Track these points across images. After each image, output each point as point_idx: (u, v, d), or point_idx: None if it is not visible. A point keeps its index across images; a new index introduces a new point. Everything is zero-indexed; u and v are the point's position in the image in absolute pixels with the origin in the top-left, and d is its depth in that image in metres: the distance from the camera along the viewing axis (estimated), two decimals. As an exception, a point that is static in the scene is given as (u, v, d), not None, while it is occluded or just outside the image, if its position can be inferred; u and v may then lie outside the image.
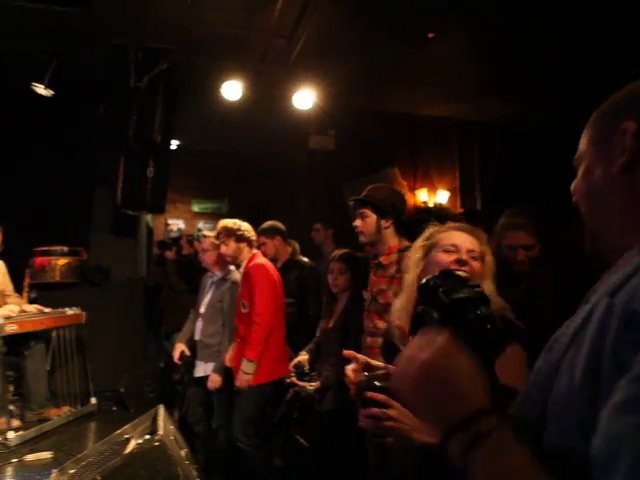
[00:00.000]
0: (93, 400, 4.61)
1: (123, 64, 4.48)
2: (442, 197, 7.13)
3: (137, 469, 2.35)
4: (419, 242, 1.66)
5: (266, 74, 5.01)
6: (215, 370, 3.62)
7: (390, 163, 6.67)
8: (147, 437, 2.58)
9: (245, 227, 3.56)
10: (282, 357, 3.48)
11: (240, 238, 3.50)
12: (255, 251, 3.60)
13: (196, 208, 9.40)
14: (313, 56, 4.70)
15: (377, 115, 6.21)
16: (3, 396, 4.02)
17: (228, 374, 3.54)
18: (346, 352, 1.30)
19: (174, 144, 5.88)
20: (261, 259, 3.55)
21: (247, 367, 3.26)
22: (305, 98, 5.22)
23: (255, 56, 4.84)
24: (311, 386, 3.15)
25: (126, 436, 2.76)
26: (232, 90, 5.00)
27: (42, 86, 4.49)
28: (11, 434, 3.80)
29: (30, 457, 3.60)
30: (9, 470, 3.42)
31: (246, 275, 3.47)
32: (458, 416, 0.65)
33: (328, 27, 4.35)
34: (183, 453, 2.77)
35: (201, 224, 9.25)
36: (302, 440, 3.27)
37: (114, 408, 4.74)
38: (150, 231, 7.63)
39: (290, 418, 3.39)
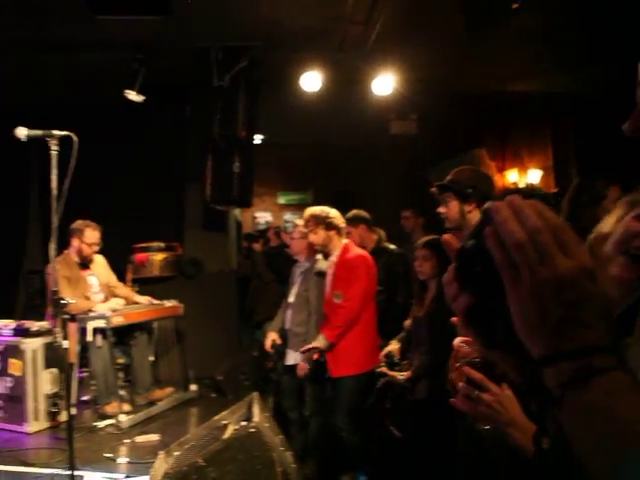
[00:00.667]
0: (193, 387, 4.87)
1: (205, 65, 4.65)
2: (534, 177, 6.76)
3: (235, 454, 2.46)
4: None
5: (344, 62, 4.98)
6: (304, 358, 3.69)
7: (476, 144, 6.42)
8: (243, 424, 2.69)
9: (334, 214, 3.49)
10: (376, 347, 3.47)
11: (329, 226, 3.46)
12: (345, 240, 3.56)
13: (282, 200, 9.58)
14: (390, 40, 4.60)
15: (460, 95, 5.99)
16: (114, 382, 4.35)
17: (319, 362, 3.60)
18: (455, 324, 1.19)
19: (258, 139, 6.01)
20: (357, 250, 3.51)
21: (320, 342, 3.27)
22: (384, 83, 5.15)
23: (333, 45, 4.83)
24: (402, 376, 3.12)
25: (224, 422, 2.89)
26: (312, 81, 5.03)
27: (134, 92, 4.76)
28: (122, 417, 4.11)
29: (140, 439, 3.88)
30: (122, 450, 3.71)
31: (344, 266, 3.43)
32: (572, 344, 0.56)
33: (404, 9, 4.25)
34: (278, 439, 2.86)
35: (287, 216, 9.43)
36: (395, 430, 3.26)
37: (213, 395, 4.99)
38: (239, 224, 7.90)
39: (382, 408, 3.39)
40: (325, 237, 3.46)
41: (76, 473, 2.76)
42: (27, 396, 4.15)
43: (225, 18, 4.28)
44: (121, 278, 5.11)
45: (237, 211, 7.41)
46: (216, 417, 3.08)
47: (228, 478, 2.41)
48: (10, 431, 4.18)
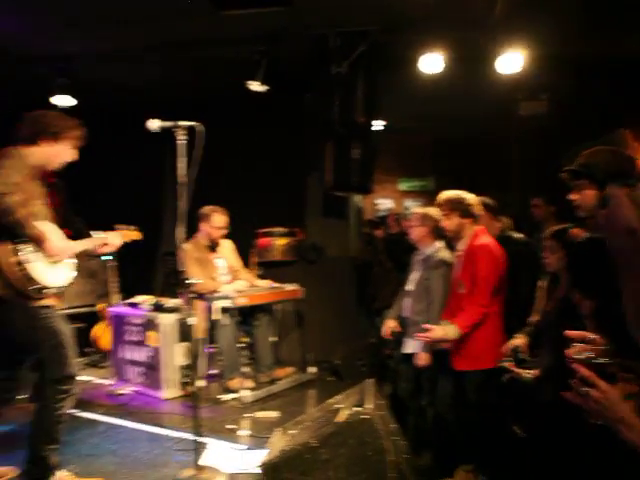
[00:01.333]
0: (312, 369, 5.01)
1: (324, 52, 4.69)
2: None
3: (347, 438, 2.48)
4: None
5: (467, 41, 4.73)
6: (423, 348, 3.61)
7: (618, 124, 5.79)
8: (356, 409, 2.70)
9: (471, 200, 3.34)
10: (501, 342, 3.31)
11: (465, 213, 3.32)
12: (478, 227, 3.41)
13: (403, 187, 9.45)
14: (517, 13, 4.27)
15: (596, 70, 5.42)
16: (238, 360, 4.61)
17: (439, 352, 3.51)
18: (568, 332, 1.18)
19: (378, 125, 5.96)
20: (485, 238, 3.36)
21: (450, 331, 3.14)
22: (511, 62, 4.80)
23: (454, 24, 4.60)
24: (528, 374, 2.94)
25: (338, 406, 2.93)
26: (432, 63, 4.85)
27: (256, 83, 4.94)
28: (245, 392, 4.36)
29: (260, 414, 4.09)
30: (244, 423, 3.93)
31: (469, 254, 3.31)
32: None
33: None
34: (391, 428, 2.83)
35: (408, 202, 9.29)
36: (517, 430, 3.08)
37: (330, 378, 5.09)
38: (360, 211, 7.93)
39: (504, 405, 3.22)
40: (458, 224, 3.31)
41: (201, 440, 2.97)
42: (162, 366, 4.56)
43: (343, 4, 4.26)
44: (246, 261, 5.39)
45: (358, 198, 7.43)
46: (330, 400, 3.14)
47: (339, 461, 2.44)
48: (149, 395, 4.63)
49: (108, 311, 5.78)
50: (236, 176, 5.83)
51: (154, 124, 2.75)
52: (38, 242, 2.67)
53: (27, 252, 2.66)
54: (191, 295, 2.84)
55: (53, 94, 5.24)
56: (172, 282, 6.55)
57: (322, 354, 5.22)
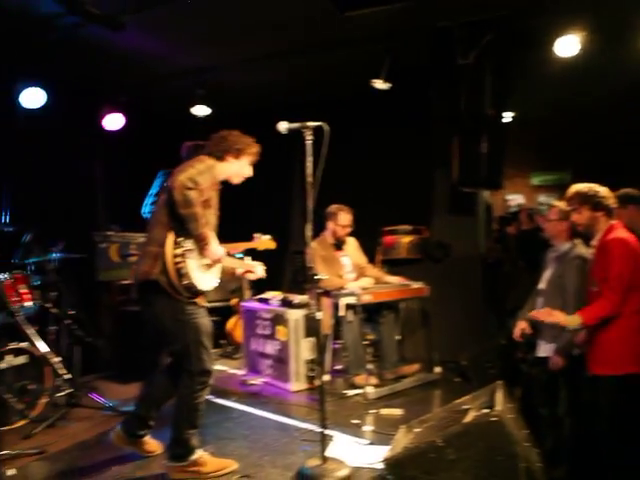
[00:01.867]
0: (437, 369, 4.90)
1: (448, 44, 4.55)
2: None
3: (474, 440, 2.39)
4: None
5: (607, 18, 4.31)
6: (557, 352, 3.38)
7: None
8: (485, 411, 2.60)
9: (604, 193, 3.09)
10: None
11: (597, 206, 3.08)
12: (613, 221, 3.15)
13: (535, 181, 8.92)
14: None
15: None
16: (363, 356, 4.66)
17: (575, 357, 3.26)
18: None
19: (508, 116, 5.66)
20: (621, 232, 3.08)
21: (571, 321, 2.90)
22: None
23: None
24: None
25: (465, 406, 2.84)
26: (568, 45, 4.49)
27: (380, 81, 4.93)
28: (370, 389, 4.39)
29: (384, 411, 4.09)
30: (368, 419, 3.97)
31: (601, 249, 3.07)
32: None
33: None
34: (522, 434, 2.69)
35: (542, 198, 8.73)
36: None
37: (456, 379, 4.94)
38: (489, 207, 7.60)
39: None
40: (590, 217, 3.09)
41: (327, 432, 3.05)
42: (290, 359, 4.75)
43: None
44: (371, 259, 5.42)
45: (487, 194, 7.12)
46: (458, 401, 3.05)
47: (466, 463, 2.37)
48: (277, 387, 4.85)
49: (240, 305, 6.15)
50: (361, 174, 5.86)
51: (282, 126, 2.87)
52: (202, 242, 2.90)
53: (187, 249, 2.90)
54: (318, 291, 2.91)
55: (193, 105, 5.68)
56: (300, 279, 6.81)
57: (448, 354, 5.08)
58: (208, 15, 4.38)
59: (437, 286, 5.06)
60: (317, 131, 2.84)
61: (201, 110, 5.72)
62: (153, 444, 3.30)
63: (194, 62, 5.29)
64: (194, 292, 2.97)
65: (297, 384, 4.75)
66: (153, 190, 4.45)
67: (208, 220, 2.98)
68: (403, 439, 2.81)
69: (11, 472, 2.82)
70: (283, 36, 4.86)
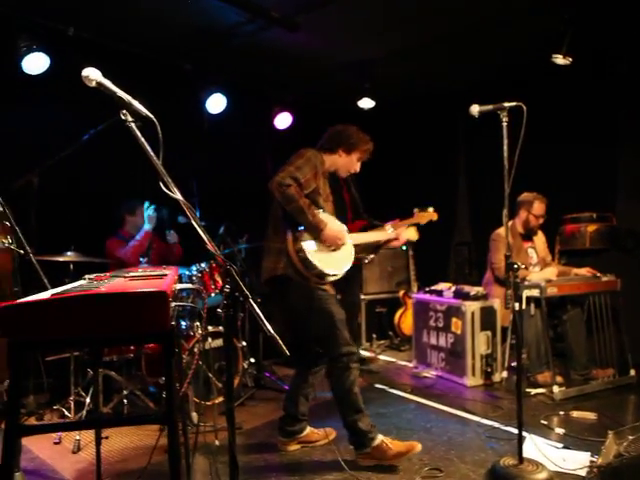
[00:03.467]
0: (632, 372, 4.43)
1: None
2: None
3: None
4: None
5: None
6: None
7: None
8: None
9: None
10: None
11: None
12: None
13: None
14: None
15: None
16: (546, 353, 4.35)
17: None
18: None
19: None
20: None
21: None
22: None
23: None
24: None
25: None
26: None
27: (560, 56, 4.52)
28: (556, 388, 4.09)
29: (575, 414, 3.78)
30: (556, 420, 3.70)
31: None
32: None
33: None
34: None
35: None
36: None
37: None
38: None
39: None
40: None
41: (518, 432, 2.86)
42: (466, 353, 4.60)
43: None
44: (552, 250, 5.06)
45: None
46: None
47: None
48: (452, 380, 4.74)
49: (408, 297, 6.12)
50: (543, 159, 5.40)
51: (474, 109, 2.76)
52: (315, 230, 3.00)
53: (306, 240, 3.01)
54: (512, 280, 2.76)
55: (359, 98, 5.75)
56: (464, 271, 6.61)
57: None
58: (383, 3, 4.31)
59: (629, 280, 4.56)
60: (510, 112, 2.68)
61: (367, 103, 5.77)
62: (316, 433, 3.39)
63: (358, 55, 5.32)
64: (323, 277, 3.05)
65: (473, 379, 4.60)
66: None
67: (323, 207, 3.12)
68: (614, 446, 2.57)
69: (217, 443, 3.09)
70: (442, 20, 4.66)
